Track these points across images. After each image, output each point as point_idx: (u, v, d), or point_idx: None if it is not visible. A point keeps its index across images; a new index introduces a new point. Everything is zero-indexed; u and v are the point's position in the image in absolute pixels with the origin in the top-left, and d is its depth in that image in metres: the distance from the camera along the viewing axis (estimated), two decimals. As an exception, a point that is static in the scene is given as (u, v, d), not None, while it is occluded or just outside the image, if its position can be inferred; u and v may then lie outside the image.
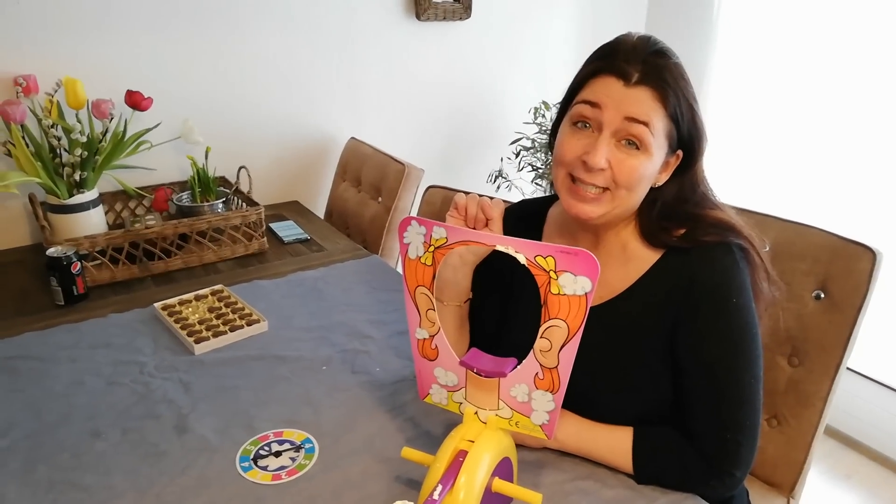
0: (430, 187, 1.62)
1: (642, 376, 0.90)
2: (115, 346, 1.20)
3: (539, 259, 0.72)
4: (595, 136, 0.85)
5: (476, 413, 0.82)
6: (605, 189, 0.86)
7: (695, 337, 0.86)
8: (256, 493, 0.86)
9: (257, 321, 1.28)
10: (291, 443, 0.95)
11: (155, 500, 0.86)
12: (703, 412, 0.86)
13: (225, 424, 1.00)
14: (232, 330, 1.24)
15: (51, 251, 1.35)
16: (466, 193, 0.96)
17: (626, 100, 0.83)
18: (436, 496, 0.71)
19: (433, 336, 0.82)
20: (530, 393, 0.78)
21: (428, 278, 0.80)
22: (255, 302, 1.36)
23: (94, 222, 1.54)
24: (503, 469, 0.79)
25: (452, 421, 0.99)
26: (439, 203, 1.58)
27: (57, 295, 1.36)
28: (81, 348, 1.20)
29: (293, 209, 2.01)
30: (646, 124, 0.82)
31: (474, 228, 0.91)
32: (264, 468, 0.90)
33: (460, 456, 0.76)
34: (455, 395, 0.84)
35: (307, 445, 0.95)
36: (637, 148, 0.84)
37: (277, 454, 0.93)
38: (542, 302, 0.73)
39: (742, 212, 1.24)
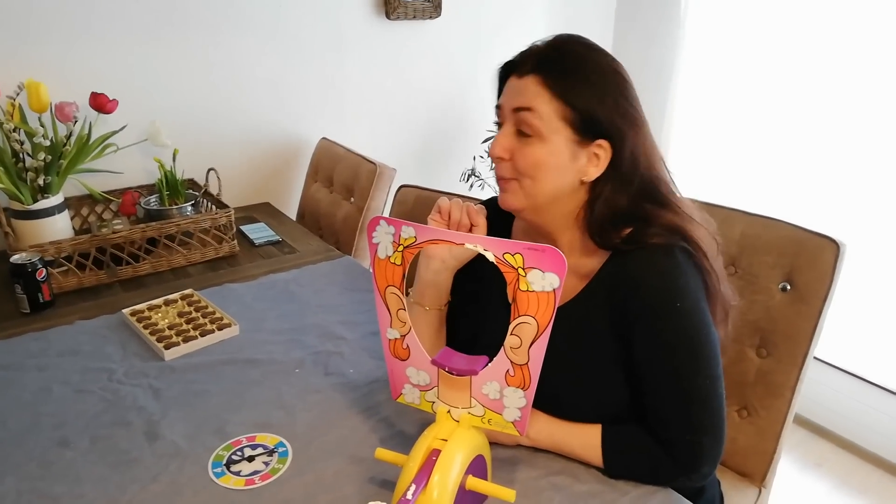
0: (402, 187, 1.62)
1: (598, 379, 0.90)
2: (84, 354, 1.18)
3: (507, 256, 0.72)
4: None
5: (449, 412, 0.82)
6: (514, 179, 0.89)
7: (643, 343, 0.86)
8: (230, 499, 0.85)
9: (228, 325, 1.26)
10: (265, 447, 0.94)
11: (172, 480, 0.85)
12: (663, 416, 0.86)
13: (196, 430, 0.99)
14: (202, 335, 1.23)
15: (14, 258, 1.32)
16: (450, 197, 0.97)
17: (513, 91, 0.87)
18: (409, 496, 0.71)
19: (404, 336, 0.82)
20: (502, 390, 0.78)
21: (398, 278, 0.80)
22: (227, 306, 1.34)
23: (59, 227, 1.51)
24: (477, 467, 0.79)
25: (426, 421, 0.99)
26: (411, 202, 1.58)
27: (22, 302, 1.33)
28: (49, 356, 1.17)
29: (264, 211, 1.99)
30: (530, 109, 0.85)
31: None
32: (237, 473, 0.89)
33: (433, 455, 0.76)
34: (427, 394, 0.84)
35: (280, 449, 0.94)
36: (530, 136, 0.86)
37: (251, 459, 0.92)
38: (510, 299, 0.74)
39: (709, 206, 1.27)
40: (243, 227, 1.79)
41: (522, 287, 0.73)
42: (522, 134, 0.86)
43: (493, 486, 0.77)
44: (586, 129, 0.85)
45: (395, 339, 0.83)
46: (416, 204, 1.57)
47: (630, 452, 0.88)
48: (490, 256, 0.73)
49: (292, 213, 2.08)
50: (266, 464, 0.91)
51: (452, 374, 0.79)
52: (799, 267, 1.15)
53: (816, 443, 2.13)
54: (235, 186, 2.01)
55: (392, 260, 0.79)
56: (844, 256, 1.12)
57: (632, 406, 0.90)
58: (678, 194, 0.93)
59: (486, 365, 0.78)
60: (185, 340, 1.21)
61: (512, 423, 0.80)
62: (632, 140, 0.86)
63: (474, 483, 0.77)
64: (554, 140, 0.85)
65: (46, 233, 1.49)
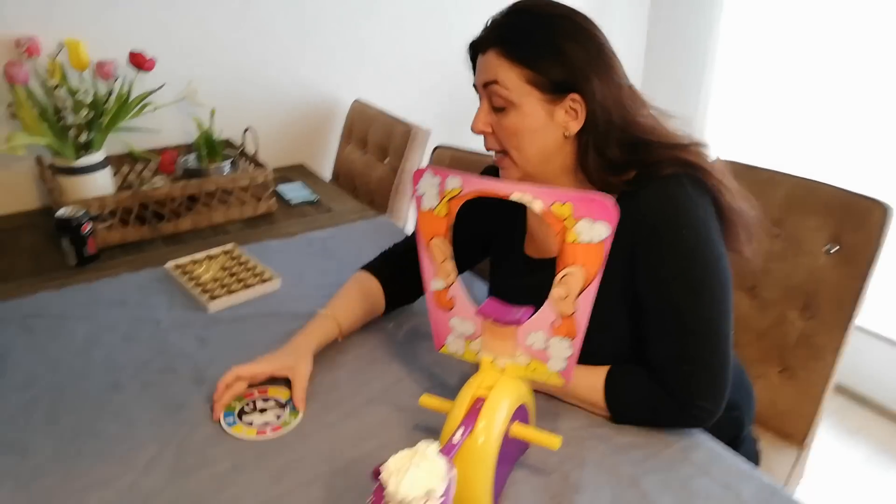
0: (437, 148, 1.62)
1: (604, 318, 0.88)
2: (130, 304, 1.21)
3: (556, 207, 0.72)
4: None
5: (493, 361, 0.82)
6: (503, 153, 0.92)
7: (650, 272, 0.87)
8: (279, 442, 0.88)
9: (270, 279, 1.28)
10: (278, 401, 0.96)
11: (176, 449, 0.87)
12: (660, 346, 0.87)
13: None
14: (245, 287, 1.25)
15: (60, 212, 1.35)
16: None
17: (480, 68, 0.91)
18: (456, 440, 0.72)
19: (449, 286, 0.83)
20: (547, 340, 0.78)
21: (442, 229, 0.80)
22: (267, 261, 1.36)
23: (101, 184, 1.54)
24: (520, 416, 0.80)
25: (467, 373, 1.00)
26: (447, 163, 1.57)
27: (69, 256, 1.36)
28: (97, 306, 1.21)
29: (299, 172, 2.00)
30: (496, 82, 0.87)
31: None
32: (253, 424, 0.92)
33: (478, 402, 0.77)
34: (472, 344, 0.84)
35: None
36: (504, 107, 0.88)
37: (263, 411, 0.94)
38: (557, 250, 0.73)
39: (752, 168, 1.24)
40: (279, 187, 1.81)
41: (569, 239, 0.72)
42: (497, 108, 0.89)
43: (539, 433, 0.78)
44: (553, 87, 0.87)
45: (440, 289, 0.84)
46: (453, 165, 1.56)
47: (630, 392, 0.88)
48: (538, 207, 0.73)
49: (326, 175, 2.09)
50: (278, 416, 0.93)
51: (498, 324, 0.80)
52: (845, 229, 1.13)
53: (854, 410, 2.11)
54: (270, 148, 2.01)
55: (437, 212, 0.79)
56: (893, 219, 1.09)
57: (634, 346, 0.90)
58: (673, 133, 0.92)
59: (532, 315, 0.78)
60: (229, 293, 1.23)
61: (557, 372, 0.80)
62: (599, 89, 0.86)
63: (519, 430, 0.78)
64: (526, 104, 0.87)
65: (89, 189, 1.52)
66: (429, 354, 1.07)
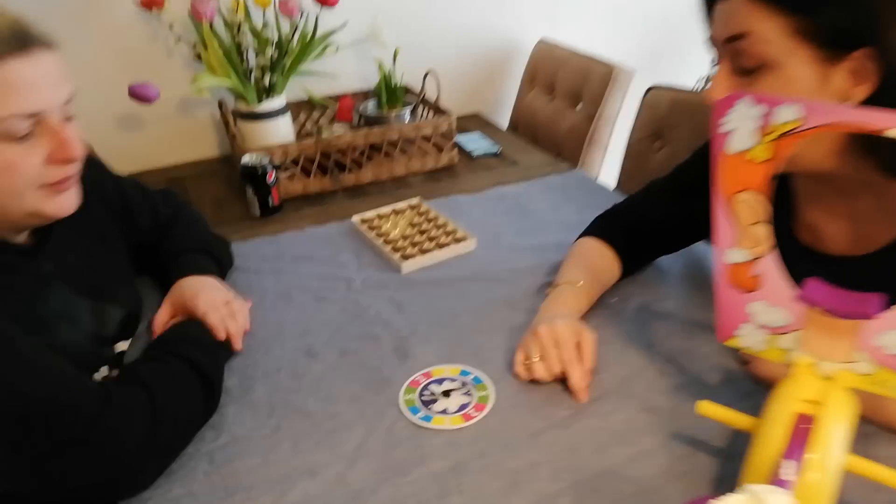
0: (651, 89, 1.36)
1: None
2: (319, 260, 1.11)
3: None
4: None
5: (814, 365, 0.60)
6: None
7: None
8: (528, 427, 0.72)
9: (464, 239, 1.13)
10: (449, 379, 0.80)
11: (385, 436, 0.74)
12: None
13: (450, 352, 0.86)
14: (439, 247, 1.10)
15: (245, 159, 1.27)
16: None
17: (721, 19, 0.66)
18: (786, 475, 0.51)
19: (757, 259, 0.61)
20: (911, 343, 0.55)
21: (758, 179, 0.58)
22: (456, 218, 1.20)
23: (283, 132, 1.45)
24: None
25: (730, 368, 0.79)
26: (665, 107, 1.32)
27: (252, 206, 1.29)
28: (284, 261, 1.11)
29: (475, 122, 1.83)
30: (744, 36, 0.63)
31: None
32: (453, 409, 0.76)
33: (802, 423, 0.55)
34: (781, 339, 0.62)
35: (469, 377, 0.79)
36: (755, 69, 0.64)
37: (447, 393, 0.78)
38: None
39: None
40: (457, 138, 1.64)
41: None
42: (745, 70, 0.65)
43: (885, 470, 0.55)
44: (833, 40, 0.60)
45: (740, 262, 0.62)
46: (672, 110, 1.31)
47: None
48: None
49: (503, 124, 1.90)
50: (468, 394, 0.79)
51: (834, 315, 0.57)
52: None
53: None
54: (445, 95, 1.85)
55: (752, 155, 0.57)
56: None
57: None
58: None
59: (888, 306, 0.55)
60: (422, 252, 1.09)
61: (920, 389, 0.57)
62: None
63: (860, 465, 0.55)
64: (790, 65, 0.62)
65: (270, 136, 1.44)
66: (669, 339, 0.87)
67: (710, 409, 0.64)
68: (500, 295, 0.98)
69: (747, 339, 0.65)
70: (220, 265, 1.01)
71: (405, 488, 0.67)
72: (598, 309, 0.93)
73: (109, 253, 0.90)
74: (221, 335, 0.84)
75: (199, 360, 0.77)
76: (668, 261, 1.03)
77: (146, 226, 0.98)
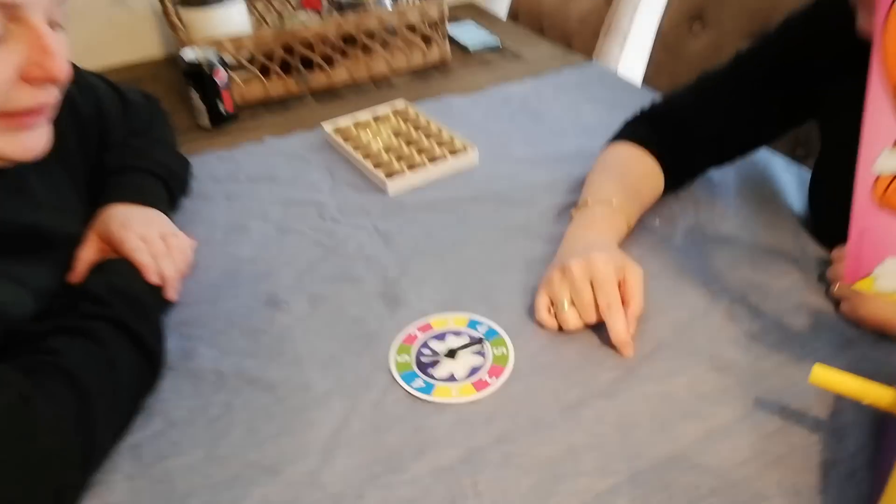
0: (686, -42, 1.11)
1: None
2: (282, 181, 0.89)
3: None
4: None
5: None
6: None
7: None
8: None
9: (462, 150, 0.91)
10: (454, 332, 0.60)
11: (373, 413, 0.55)
12: None
13: (453, 296, 0.67)
14: (431, 160, 0.88)
15: (188, 55, 1.02)
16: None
17: None
18: None
19: (926, 164, 0.40)
20: None
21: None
22: (451, 124, 0.98)
23: (235, 21, 1.19)
24: None
25: (816, 308, 0.61)
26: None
27: (200, 115, 1.05)
28: (239, 182, 0.89)
29: (468, 10, 1.56)
30: None
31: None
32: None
33: None
34: (949, 280, 0.43)
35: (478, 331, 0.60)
36: None
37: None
38: None
39: None
40: (450, 29, 1.38)
41: None
42: None
43: None
44: None
45: (889, 175, 0.41)
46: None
47: None
48: None
49: (501, 14, 1.63)
50: (479, 353, 0.59)
51: None
52: None
53: None
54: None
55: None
56: None
57: None
58: None
59: None
60: (410, 167, 0.87)
61: None
62: None
63: None
64: None
65: (220, 26, 1.17)
66: (734, 272, 0.68)
67: (831, 377, 0.45)
68: (512, 220, 0.78)
69: (887, 279, 0.45)
70: (172, 197, 0.79)
71: (400, 491, 0.49)
72: (639, 234, 0.73)
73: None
74: (153, 278, 0.64)
75: (136, 325, 0.57)
76: (718, 172, 0.82)
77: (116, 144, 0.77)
